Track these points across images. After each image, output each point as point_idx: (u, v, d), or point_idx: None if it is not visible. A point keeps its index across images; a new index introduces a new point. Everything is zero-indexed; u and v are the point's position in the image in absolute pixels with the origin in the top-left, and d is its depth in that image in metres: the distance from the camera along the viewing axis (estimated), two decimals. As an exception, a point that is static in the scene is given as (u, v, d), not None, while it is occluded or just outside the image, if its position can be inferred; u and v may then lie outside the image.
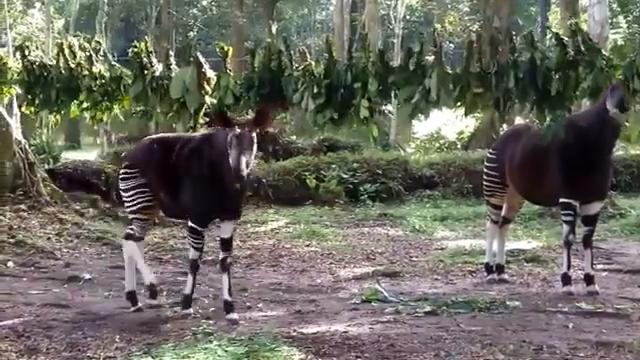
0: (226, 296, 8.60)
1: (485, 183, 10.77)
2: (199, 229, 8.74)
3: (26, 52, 12.37)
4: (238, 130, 7.92)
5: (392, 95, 9.70)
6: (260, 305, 9.39)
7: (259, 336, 7.53)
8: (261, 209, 17.85)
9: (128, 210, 9.15)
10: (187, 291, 8.75)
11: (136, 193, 8.93)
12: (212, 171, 8.39)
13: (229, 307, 8.54)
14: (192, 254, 8.81)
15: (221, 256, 8.77)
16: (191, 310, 8.69)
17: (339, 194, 18.75)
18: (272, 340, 7.38)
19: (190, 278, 8.75)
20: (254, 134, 8.02)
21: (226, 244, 8.76)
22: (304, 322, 8.50)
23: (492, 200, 10.77)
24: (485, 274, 10.80)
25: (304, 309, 9.12)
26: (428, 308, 8.94)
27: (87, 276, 10.82)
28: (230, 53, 10.57)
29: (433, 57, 9.35)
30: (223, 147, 8.04)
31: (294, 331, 8.02)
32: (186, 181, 8.56)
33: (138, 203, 8.94)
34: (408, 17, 40.82)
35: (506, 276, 10.72)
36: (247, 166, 7.87)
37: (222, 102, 10.42)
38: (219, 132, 8.36)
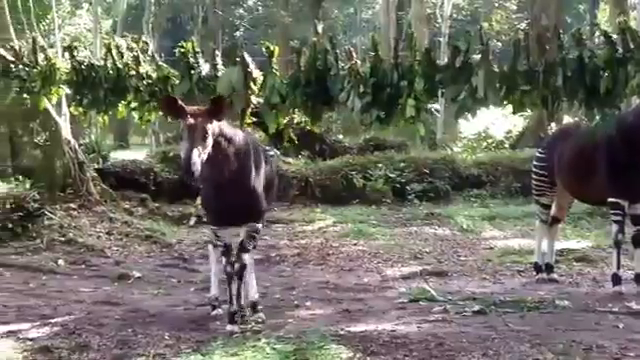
0: (232, 306, 8.05)
1: (534, 183, 10.71)
2: (214, 230, 8.32)
3: (74, 53, 12.50)
4: (190, 120, 7.21)
5: (439, 94, 9.66)
6: (308, 303, 9.40)
7: (307, 334, 7.55)
8: (308, 208, 17.88)
9: None
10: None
11: None
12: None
13: (230, 317, 8.05)
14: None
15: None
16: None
17: (386, 193, 18.74)
18: (320, 338, 7.39)
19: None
20: (209, 125, 7.24)
21: (238, 249, 8.12)
22: (352, 320, 8.49)
23: (541, 200, 10.70)
24: (534, 273, 10.73)
25: (352, 308, 9.12)
26: (476, 307, 8.89)
27: (137, 274, 10.92)
28: (276, 53, 10.59)
29: (480, 55, 9.30)
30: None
31: (342, 329, 8.00)
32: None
33: None
34: (455, 15, 40.59)
35: (555, 276, 10.65)
36: (199, 159, 7.12)
37: (268, 101, 10.45)
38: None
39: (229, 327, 7.94)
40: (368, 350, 7.25)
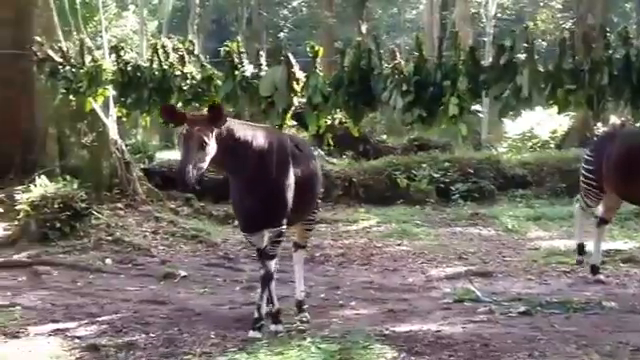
0: (258, 312, 7.85)
1: (582, 185, 10.62)
2: (244, 236, 8.29)
3: (121, 54, 12.61)
4: (185, 129, 7.02)
5: (482, 93, 9.64)
6: (352, 303, 9.41)
7: (352, 334, 7.55)
8: (352, 208, 17.89)
9: None
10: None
11: None
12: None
13: (274, 316, 8.01)
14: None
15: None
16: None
17: (430, 193, 18.68)
18: (365, 338, 7.40)
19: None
20: (208, 132, 7.02)
21: (262, 255, 7.94)
22: (396, 321, 8.49)
23: (587, 200, 10.62)
24: (577, 255, 10.69)
25: (396, 308, 9.12)
26: (522, 308, 8.86)
27: (182, 273, 10.98)
28: (320, 53, 10.61)
29: (525, 55, 9.26)
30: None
31: (386, 329, 8.00)
32: None
33: None
34: (499, 15, 40.36)
35: (602, 277, 10.57)
36: (196, 169, 6.95)
37: (310, 101, 10.48)
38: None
39: (273, 327, 7.93)
40: (413, 350, 7.25)
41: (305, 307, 8.63)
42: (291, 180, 7.79)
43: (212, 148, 7.07)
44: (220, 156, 7.20)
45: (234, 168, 7.60)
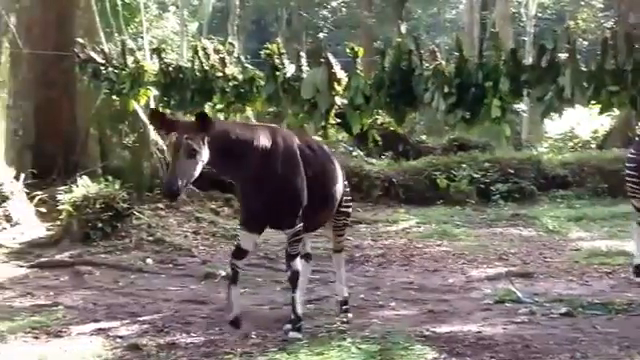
0: (294, 312, 7.79)
1: (627, 185, 10.53)
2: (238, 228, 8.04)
3: (162, 55, 12.69)
4: (174, 137, 6.82)
5: (524, 94, 9.58)
6: (392, 304, 9.40)
7: (392, 334, 7.56)
8: (392, 208, 17.88)
9: None
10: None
11: None
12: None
13: (293, 322, 7.79)
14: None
15: None
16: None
17: (470, 194, 18.63)
18: (405, 339, 7.40)
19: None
20: (198, 140, 6.83)
21: (285, 257, 7.89)
22: (437, 321, 8.47)
23: (634, 202, 10.52)
24: (631, 275, 10.58)
25: (436, 308, 9.10)
26: (563, 309, 8.80)
27: (223, 273, 11.00)
28: (360, 54, 10.60)
29: (566, 55, 9.19)
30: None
31: (427, 330, 7.99)
32: None
33: None
34: (540, 15, 40.10)
35: (645, 278, 10.48)
36: (185, 178, 6.80)
37: (352, 102, 10.47)
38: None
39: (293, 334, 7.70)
40: (453, 351, 7.24)
41: (345, 308, 8.62)
42: (301, 180, 7.63)
43: (204, 155, 6.90)
44: (216, 160, 7.08)
45: (234, 171, 7.48)
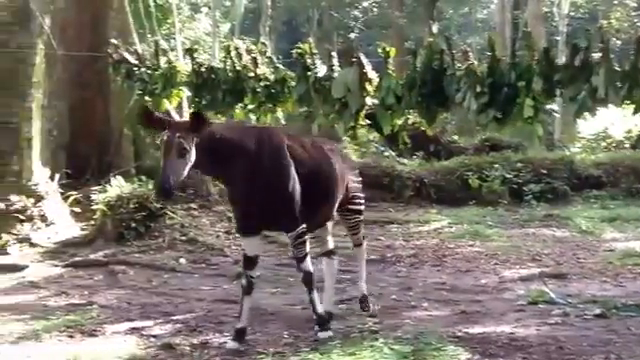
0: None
1: None
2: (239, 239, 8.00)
3: (195, 55, 12.74)
4: (166, 135, 6.81)
5: (557, 94, 9.53)
6: (425, 304, 9.39)
7: (425, 335, 7.56)
8: (423, 209, 17.83)
9: None
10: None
11: None
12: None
13: (321, 322, 7.78)
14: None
15: None
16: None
17: (503, 194, 18.54)
18: (438, 339, 7.40)
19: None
20: (189, 138, 6.80)
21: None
22: (469, 322, 8.45)
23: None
24: None
25: (469, 309, 9.08)
26: (597, 311, 8.76)
27: (255, 273, 11.03)
28: (392, 54, 10.60)
29: (600, 54, 9.13)
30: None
31: (459, 331, 7.98)
32: None
33: None
34: (572, 14, 39.86)
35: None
36: (175, 177, 6.76)
37: (383, 102, 10.46)
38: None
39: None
40: (486, 352, 7.24)
41: (370, 305, 8.63)
42: (293, 179, 7.46)
43: (192, 156, 6.86)
44: (202, 160, 6.98)
45: (220, 172, 7.41)
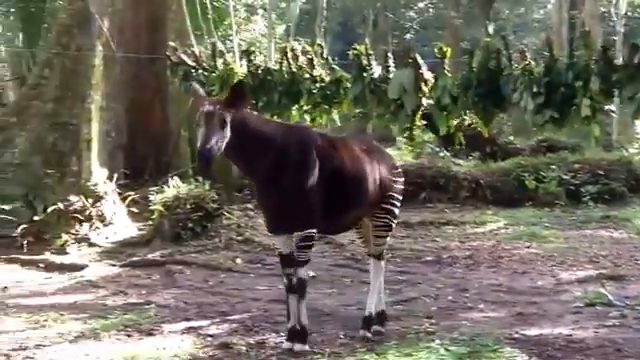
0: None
1: None
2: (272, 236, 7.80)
3: (251, 57, 12.81)
4: (206, 107, 6.73)
5: (615, 94, 9.44)
6: (481, 306, 9.34)
7: (481, 337, 7.55)
8: (479, 210, 17.74)
9: None
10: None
11: None
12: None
13: (292, 335, 7.41)
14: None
15: None
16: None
17: (559, 195, 18.39)
18: (494, 341, 7.38)
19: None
20: (227, 114, 6.71)
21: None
22: (526, 324, 8.39)
23: None
24: None
25: (526, 311, 9.02)
26: (656, 313, 8.68)
27: (310, 273, 10.99)
28: (448, 54, 10.58)
29: (659, 54, 9.04)
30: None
31: (516, 333, 7.94)
32: None
33: None
34: (630, 14, 39.38)
35: None
36: (216, 147, 6.62)
37: (439, 103, 10.45)
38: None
39: (285, 344, 7.42)
40: (543, 354, 7.20)
41: (374, 327, 7.92)
42: (312, 182, 7.19)
43: (228, 132, 6.74)
44: (231, 145, 6.80)
45: (244, 163, 7.23)
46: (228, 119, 6.72)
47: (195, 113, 6.93)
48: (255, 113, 7.65)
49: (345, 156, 7.56)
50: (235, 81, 7.23)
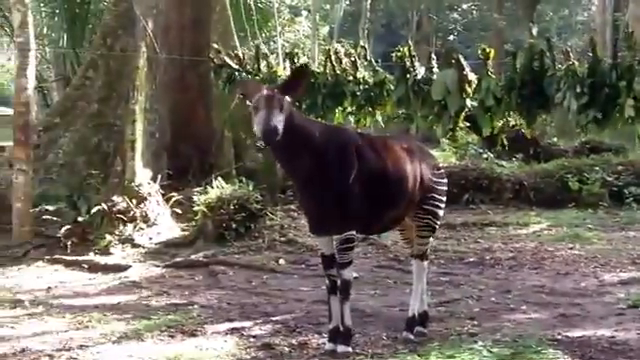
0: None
1: None
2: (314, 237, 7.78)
3: (295, 59, 12.85)
4: (265, 92, 6.72)
5: (659, 94, 9.39)
6: (524, 307, 9.30)
7: (524, 338, 7.52)
8: (522, 211, 17.63)
9: None
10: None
11: None
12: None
13: (333, 335, 7.38)
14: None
15: None
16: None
17: (602, 197, 18.23)
18: (537, 343, 7.35)
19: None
20: (285, 99, 6.72)
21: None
22: (569, 325, 8.35)
23: None
24: None
25: (568, 312, 8.97)
26: (700, 315, 8.61)
27: (354, 274, 11.05)
28: (492, 55, 10.56)
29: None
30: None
31: (559, 334, 7.90)
32: None
33: None
34: (675, 14, 38.98)
35: None
36: (280, 125, 6.61)
37: (483, 104, 10.44)
38: None
39: (328, 346, 7.40)
40: (586, 356, 7.16)
41: (417, 328, 7.89)
42: (351, 183, 7.10)
43: (283, 117, 6.71)
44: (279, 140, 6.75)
45: (288, 160, 7.19)
46: (286, 105, 6.73)
47: (239, 112, 6.97)
48: (301, 113, 7.61)
49: (385, 156, 7.49)
50: (297, 65, 7.10)
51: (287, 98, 6.77)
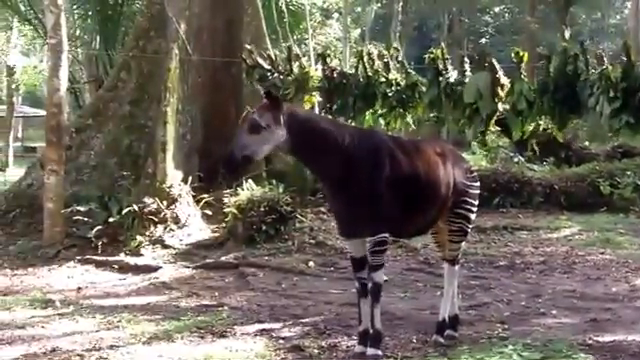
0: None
1: None
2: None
3: (327, 61, 12.87)
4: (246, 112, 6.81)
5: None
6: (554, 311, 9.26)
7: (554, 343, 7.50)
8: (553, 215, 17.54)
9: None
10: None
11: None
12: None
13: (363, 338, 7.38)
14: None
15: None
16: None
17: (634, 201, 18.12)
18: (568, 347, 7.33)
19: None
20: (266, 117, 6.64)
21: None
22: (600, 330, 8.31)
23: None
24: None
25: (599, 317, 8.92)
26: None
27: (385, 278, 11.05)
28: (525, 59, 10.53)
29: None
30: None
31: (590, 339, 7.86)
32: None
33: None
34: None
35: None
36: (243, 152, 6.65)
37: (515, 107, 10.41)
38: None
39: (357, 348, 7.40)
40: (617, 361, 7.14)
41: (447, 331, 7.87)
42: (382, 185, 7.05)
43: (275, 134, 6.72)
44: (297, 147, 6.89)
45: (315, 165, 7.25)
46: (268, 122, 6.68)
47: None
48: (323, 115, 7.61)
49: (417, 159, 7.45)
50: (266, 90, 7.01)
51: (271, 116, 6.71)
